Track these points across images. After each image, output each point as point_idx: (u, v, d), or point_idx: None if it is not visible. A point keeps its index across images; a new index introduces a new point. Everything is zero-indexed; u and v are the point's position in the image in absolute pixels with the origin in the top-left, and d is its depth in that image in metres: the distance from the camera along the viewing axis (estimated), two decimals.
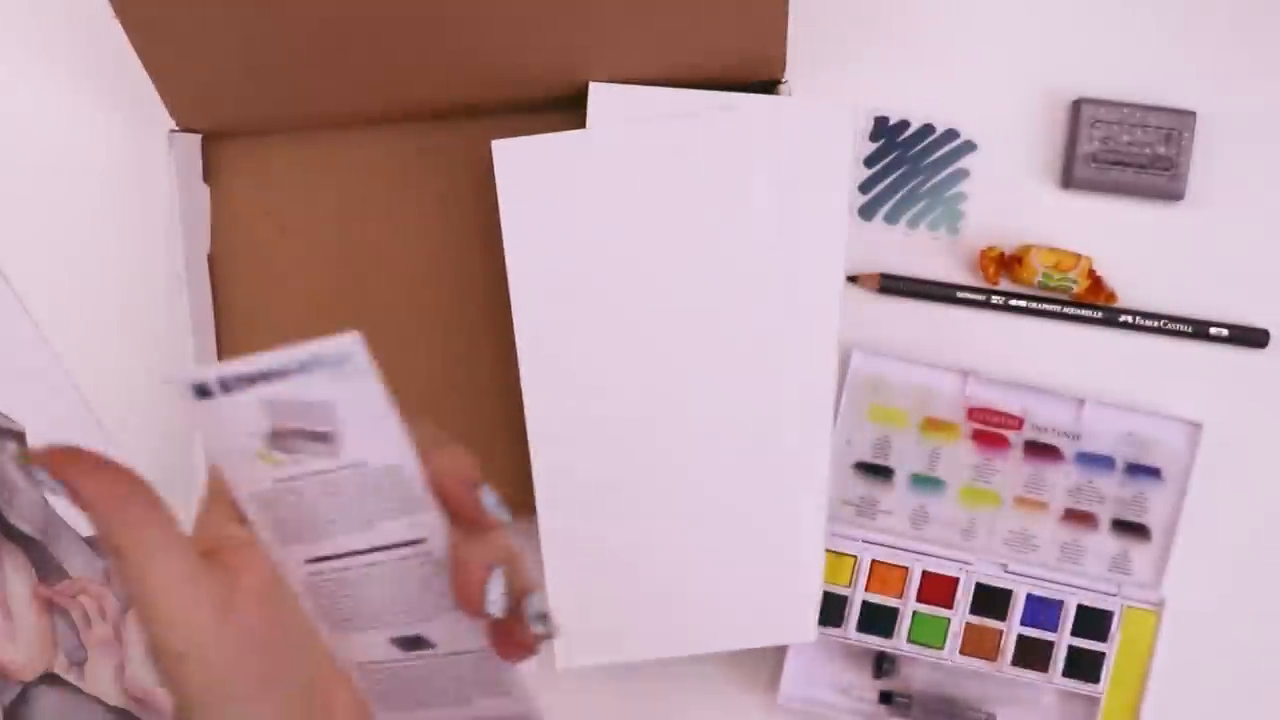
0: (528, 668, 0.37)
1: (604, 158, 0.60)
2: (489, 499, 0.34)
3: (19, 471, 0.61)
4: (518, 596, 0.35)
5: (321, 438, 0.32)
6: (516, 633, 0.35)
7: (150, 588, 0.32)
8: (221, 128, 0.63)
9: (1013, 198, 0.65)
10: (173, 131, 0.62)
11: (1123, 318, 0.65)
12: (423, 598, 0.35)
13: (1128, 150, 0.64)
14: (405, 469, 0.33)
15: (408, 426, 0.33)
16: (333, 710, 0.37)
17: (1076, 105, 0.64)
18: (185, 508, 0.67)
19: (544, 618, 0.35)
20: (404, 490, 0.33)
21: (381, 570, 0.35)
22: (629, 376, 0.60)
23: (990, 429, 0.64)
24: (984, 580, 0.64)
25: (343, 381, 0.31)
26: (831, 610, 0.64)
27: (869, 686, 0.65)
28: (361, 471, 0.33)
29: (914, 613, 0.64)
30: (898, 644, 0.64)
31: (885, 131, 0.65)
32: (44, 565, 0.65)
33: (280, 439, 0.32)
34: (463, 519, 0.34)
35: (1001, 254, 0.64)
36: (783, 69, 0.61)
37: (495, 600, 0.34)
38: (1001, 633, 0.64)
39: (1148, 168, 0.64)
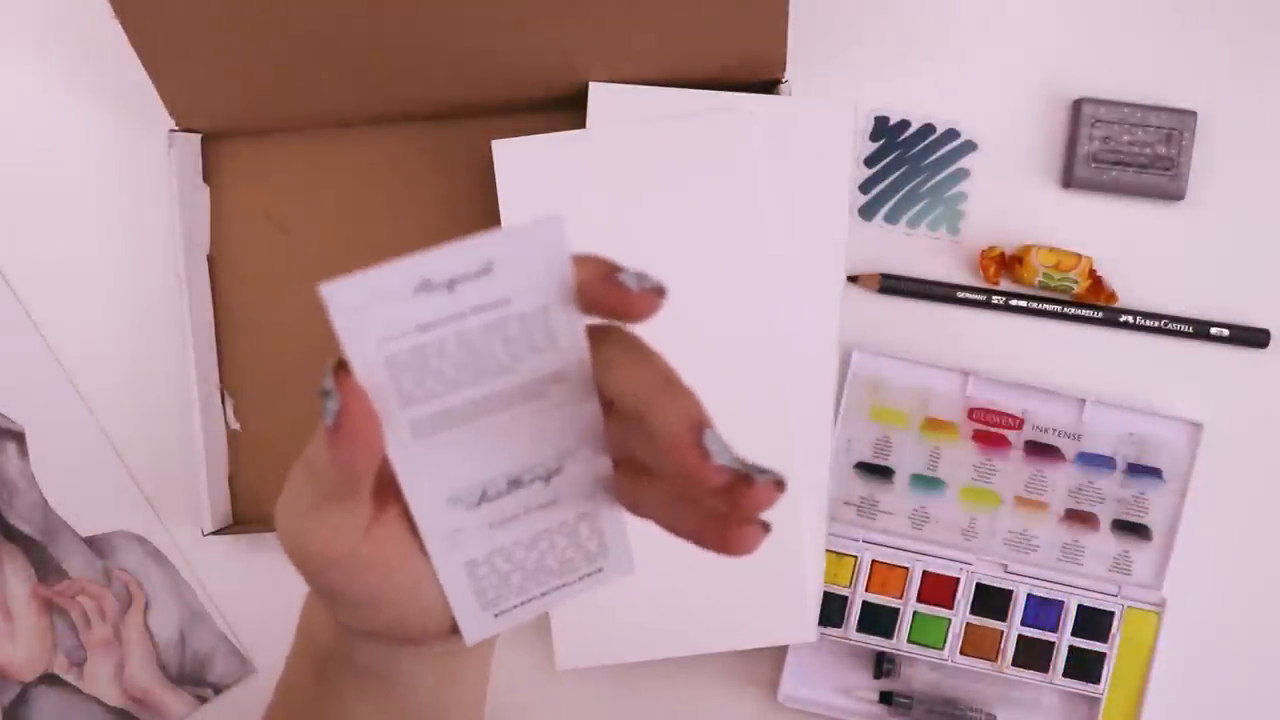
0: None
1: (604, 158, 0.60)
2: (714, 442, 0.32)
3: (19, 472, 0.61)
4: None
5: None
6: (746, 492, 0.32)
7: None
8: (221, 128, 0.64)
9: (1013, 198, 0.65)
10: (173, 131, 0.62)
11: (1123, 318, 0.65)
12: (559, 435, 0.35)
13: (1128, 150, 0.64)
14: (553, 310, 0.32)
15: (641, 361, 0.32)
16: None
17: (1076, 105, 0.64)
18: (185, 508, 0.67)
19: (761, 470, 0.32)
20: (551, 331, 0.33)
21: (514, 414, 0.34)
22: None
23: (991, 429, 0.64)
24: (984, 580, 0.64)
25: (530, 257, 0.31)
26: (832, 610, 0.64)
27: (869, 687, 0.65)
28: (509, 312, 0.32)
29: (914, 613, 0.64)
30: (898, 644, 0.64)
31: (885, 131, 0.65)
32: (44, 565, 0.65)
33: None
34: (688, 467, 0.32)
35: (1002, 254, 0.64)
36: (783, 69, 0.61)
37: (720, 443, 0.31)
38: (1002, 633, 0.64)
39: (1148, 168, 0.64)
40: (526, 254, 0.31)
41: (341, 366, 0.31)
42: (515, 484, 0.36)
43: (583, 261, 0.32)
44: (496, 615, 0.38)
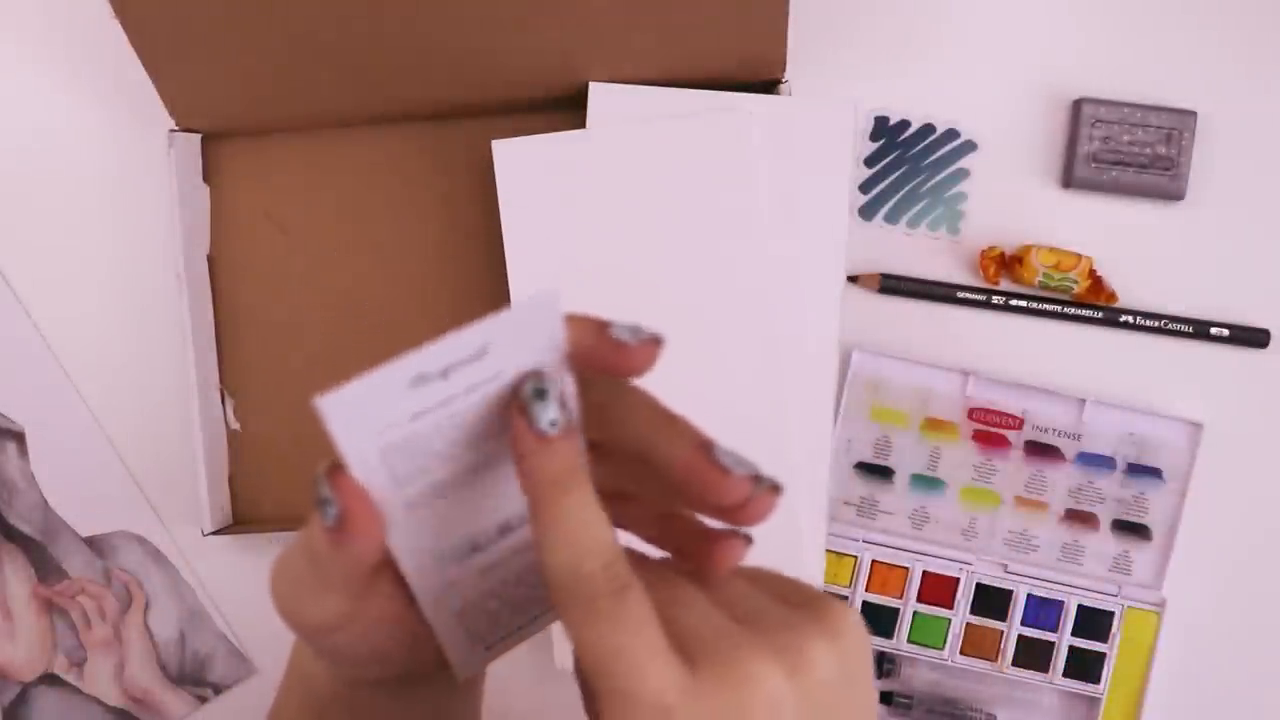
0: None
1: (604, 158, 0.60)
2: (727, 456, 0.32)
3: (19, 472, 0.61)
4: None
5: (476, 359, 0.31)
6: (750, 500, 0.32)
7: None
8: (221, 128, 0.64)
9: (1013, 198, 0.65)
10: (173, 131, 0.62)
11: (1123, 318, 0.65)
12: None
13: (1128, 150, 0.64)
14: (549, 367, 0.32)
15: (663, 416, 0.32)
16: None
17: (1076, 105, 0.64)
18: (185, 508, 0.67)
19: (758, 479, 0.32)
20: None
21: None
22: None
23: (991, 429, 0.64)
24: (984, 580, 0.64)
25: (530, 338, 0.31)
26: None
27: None
28: (501, 384, 0.32)
29: (914, 613, 0.64)
30: (898, 644, 0.64)
31: (885, 131, 0.65)
32: (44, 565, 0.65)
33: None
34: (709, 488, 0.32)
35: (1002, 254, 0.64)
36: (783, 69, 0.61)
37: (734, 456, 0.31)
38: (1002, 633, 0.64)
39: (1148, 168, 0.64)
40: (522, 332, 0.31)
41: (335, 469, 0.31)
42: (506, 529, 0.35)
43: (575, 322, 0.32)
44: (487, 648, 0.38)
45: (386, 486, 0.32)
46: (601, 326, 0.32)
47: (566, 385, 0.32)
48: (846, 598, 0.64)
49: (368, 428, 0.31)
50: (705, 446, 0.31)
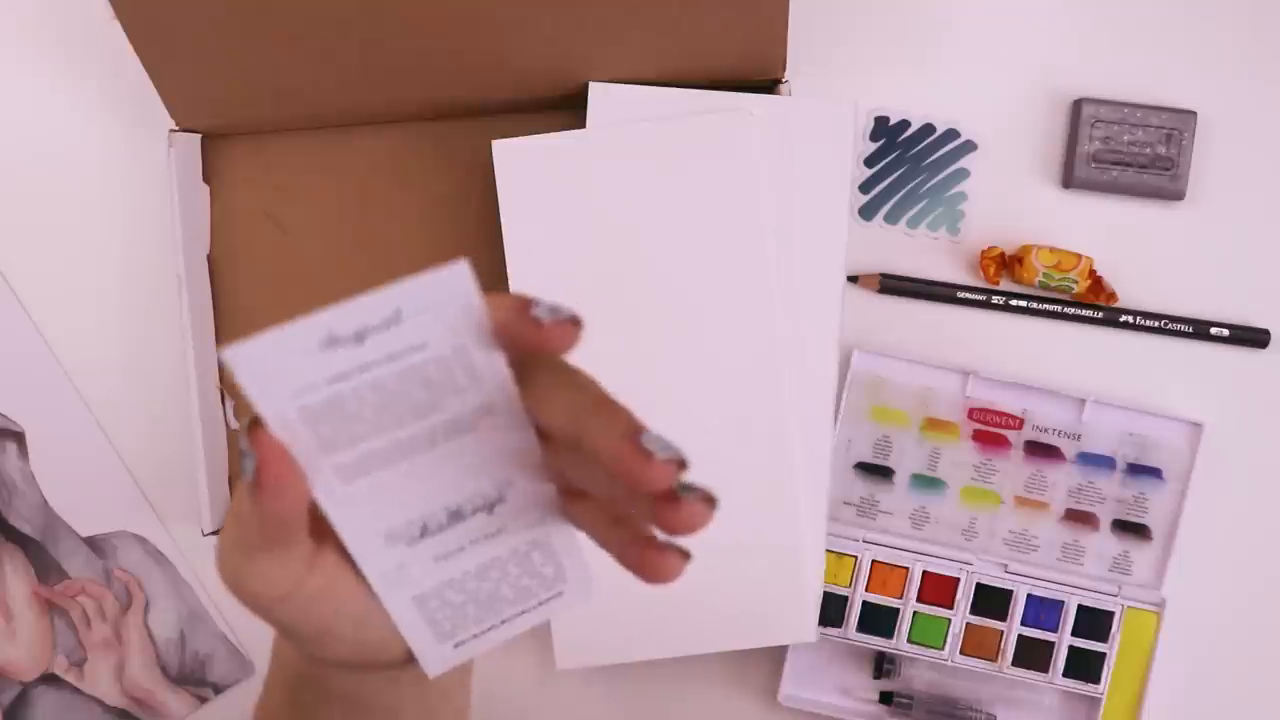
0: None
1: (604, 158, 0.60)
2: (653, 441, 0.32)
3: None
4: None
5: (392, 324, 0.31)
6: (680, 504, 0.32)
7: None
8: (221, 128, 0.64)
9: (1013, 198, 0.65)
10: (173, 131, 0.62)
11: (1123, 318, 0.65)
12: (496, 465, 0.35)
13: (1128, 150, 0.64)
14: (471, 351, 0.32)
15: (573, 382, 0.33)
16: None
17: (1076, 105, 0.64)
18: (185, 508, 0.67)
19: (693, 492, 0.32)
20: (467, 368, 0.33)
21: (442, 450, 0.34)
22: (629, 375, 0.60)
23: (991, 429, 0.64)
24: (984, 580, 0.64)
25: (442, 313, 0.31)
26: (832, 610, 0.64)
27: (869, 687, 0.65)
28: (425, 355, 0.32)
29: (914, 613, 0.64)
30: (898, 644, 0.64)
31: (885, 131, 0.65)
32: (44, 565, 0.65)
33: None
34: (633, 474, 0.32)
35: (1002, 254, 0.64)
36: (783, 69, 0.61)
37: (660, 441, 0.32)
38: (1002, 633, 0.64)
39: (1148, 168, 0.64)
40: (434, 301, 0.31)
41: (256, 423, 0.32)
42: (456, 516, 0.36)
43: (497, 300, 0.32)
44: (456, 645, 0.38)
45: (312, 448, 0.33)
46: (523, 306, 0.32)
47: (494, 361, 0.33)
48: (846, 598, 0.64)
49: (280, 384, 0.31)
50: (633, 431, 0.32)
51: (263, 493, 0.32)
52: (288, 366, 0.31)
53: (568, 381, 0.33)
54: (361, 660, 0.38)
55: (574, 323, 0.32)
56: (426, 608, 0.37)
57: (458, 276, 0.31)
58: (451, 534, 0.36)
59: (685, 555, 0.34)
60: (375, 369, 0.32)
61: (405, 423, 0.33)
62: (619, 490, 0.34)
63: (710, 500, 0.32)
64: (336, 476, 0.34)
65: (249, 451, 0.31)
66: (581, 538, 0.38)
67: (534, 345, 0.32)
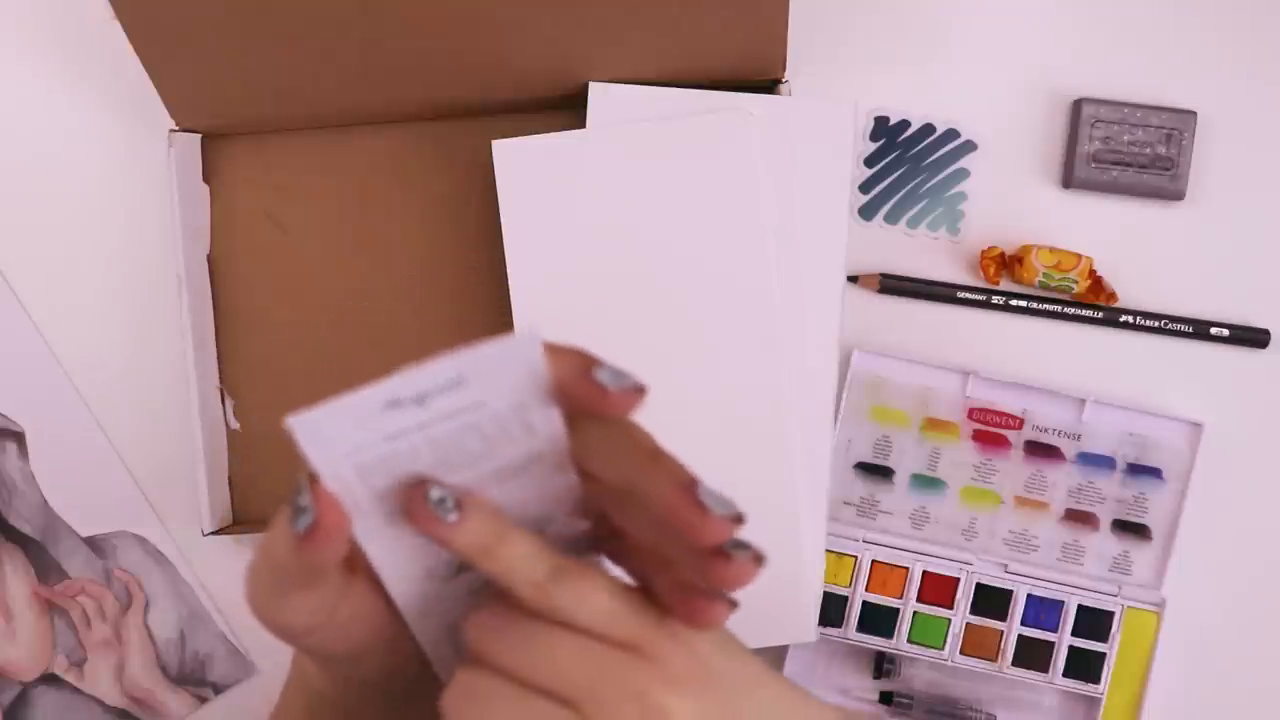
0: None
1: (604, 158, 0.60)
2: (709, 496, 0.32)
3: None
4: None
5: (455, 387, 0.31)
6: (731, 563, 0.32)
7: None
8: (221, 128, 0.64)
9: (1013, 198, 0.65)
10: (173, 131, 0.62)
11: (1123, 318, 0.65)
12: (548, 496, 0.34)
13: (1128, 150, 0.64)
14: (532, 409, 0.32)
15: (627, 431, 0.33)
16: None
17: (1076, 105, 0.64)
18: (185, 508, 0.67)
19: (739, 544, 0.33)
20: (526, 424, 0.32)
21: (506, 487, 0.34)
22: None
23: (991, 429, 0.64)
24: (984, 580, 0.64)
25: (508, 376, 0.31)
26: (832, 610, 0.64)
27: (869, 687, 0.65)
28: (484, 413, 0.32)
29: (914, 613, 0.64)
30: (898, 644, 0.64)
31: (885, 131, 0.65)
32: (44, 565, 0.65)
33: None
34: (689, 528, 0.32)
35: (1002, 254, 0.64)
36: (783, 69, 0.61)
37: (717, 497, 0.32)
38: (1002, 633, 0.64)
39: (1148, 168, 0.64)
40: (500, 368, 0.31)
41: (315, 479, 0.31)
42: None
43: (559, 356, 0.32)
44: None
45: (364, 499, 0.32)
46: (586, 367, 0.32)
47: (551, 417, 0.32)
48: (846, 598, 0.64)
49: (339, 447, 0.31)
50: (689, 485, 0.31)
51: (310, 546, 0.31)
52: (347, 431, 0.31)
53: (620, 431, 0.33)
54: (390, 683, 0.37)
55: (638, 391, 0.32)
56: (457, 635, 0.37)
57: (529, 346, 0.31)
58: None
59: (733, 604, 0.34)
60: (434, 427, 0.32)
61: (457, 471, 0.33)
62: (666, 538, 0.33)
63: (759, 559, 0.32)
64: (384, 522, 0.33)
65: (308, 507, 0.31)
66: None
67: (595, 410, 0.32)
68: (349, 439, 0.31)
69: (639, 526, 0.35)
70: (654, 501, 0.32)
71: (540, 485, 0.34)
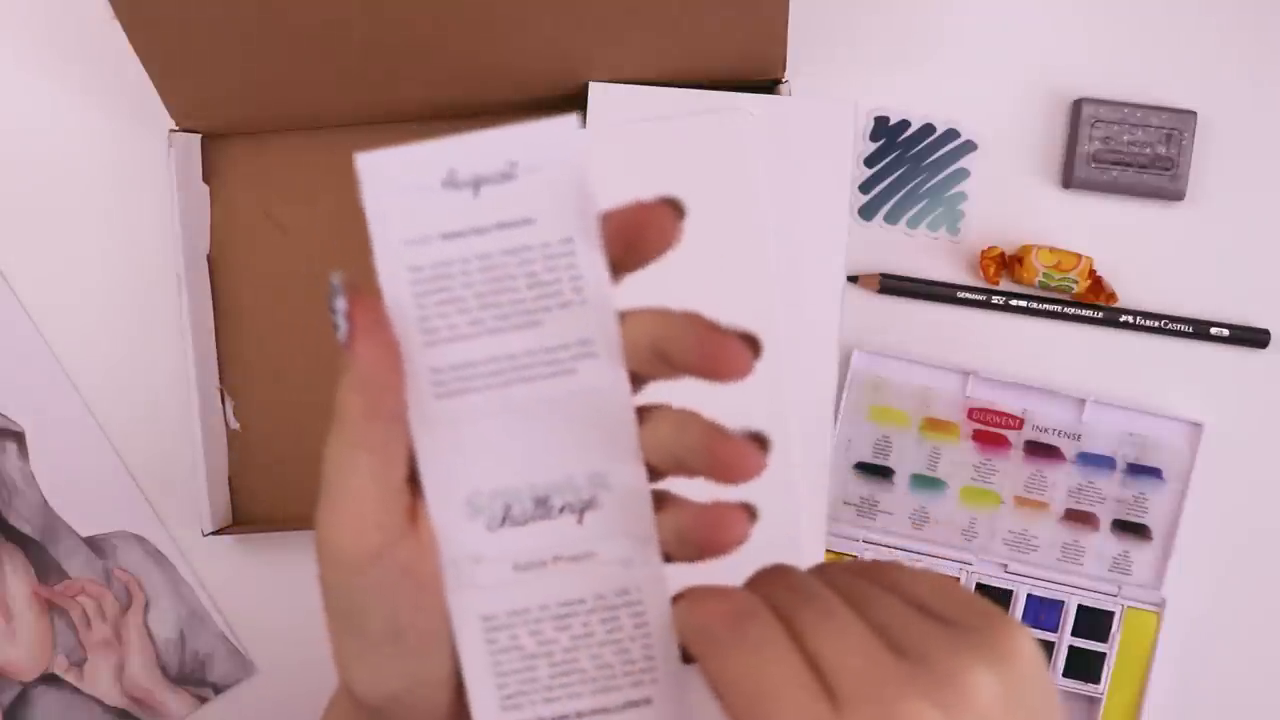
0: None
1: (604, 158, 0.60)
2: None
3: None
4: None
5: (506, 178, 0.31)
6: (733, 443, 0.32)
7: None
8: (221, 128, 0.64)
9: (1013, 198, 0.65)
10: (173, 131, 0.62)
11: (1123, 318, 0.65)
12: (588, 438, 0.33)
13: (1128, 150, 0.64)
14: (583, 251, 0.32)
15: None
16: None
17: (1076, 105, 0.64)
18: (185, 508, 0.67)
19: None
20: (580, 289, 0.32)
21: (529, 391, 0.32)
22: None
23: (991, 429, 0.64)
24: (984, 580, 0.64)
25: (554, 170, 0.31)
26: None
27: None
28: (532, 236, 0.31)
29: None
30: None
31: (885, 131, 0.65)
32: (44, 565, 0.65)
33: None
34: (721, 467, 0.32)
35: (1002, 254, 0.64)
36: (783, 69, 0.61)
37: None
38: None
39: (1148, 168, 0.64)
40: (545, 160, 0.31)
41: (347, 283, 0.32)
42: (543, 506, 0.33)
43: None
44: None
45: (413, 328, 0.32)
46: (710, 325, 0.32)
47: (598, 266, 0.32)
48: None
49: (400, 217, 0.31)
50: (711, 327, 0.33)
51: (358, 338, 0.31)
52: (408, 198, 0.31)
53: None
54: (411, 704, 0.34)
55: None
56: (495, 643, 0.33)
57: (566, 126, 0.31)
58: (536, 532, 0.33)
59: (752, 514, 0.34)
60: (486, 236, 0.31)
61: (506, 327, 0.32)
62: (691, 445, 0.34)
63: (762, 441, 0.33)
64: (432, 385, 0.32)
65: (341, 308, 0.32)
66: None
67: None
68: (409, 210, 0.31)
69: (676, 447, 0.34)
70: (685, 348, 0.33)
71: (592, 409, 0.33)
